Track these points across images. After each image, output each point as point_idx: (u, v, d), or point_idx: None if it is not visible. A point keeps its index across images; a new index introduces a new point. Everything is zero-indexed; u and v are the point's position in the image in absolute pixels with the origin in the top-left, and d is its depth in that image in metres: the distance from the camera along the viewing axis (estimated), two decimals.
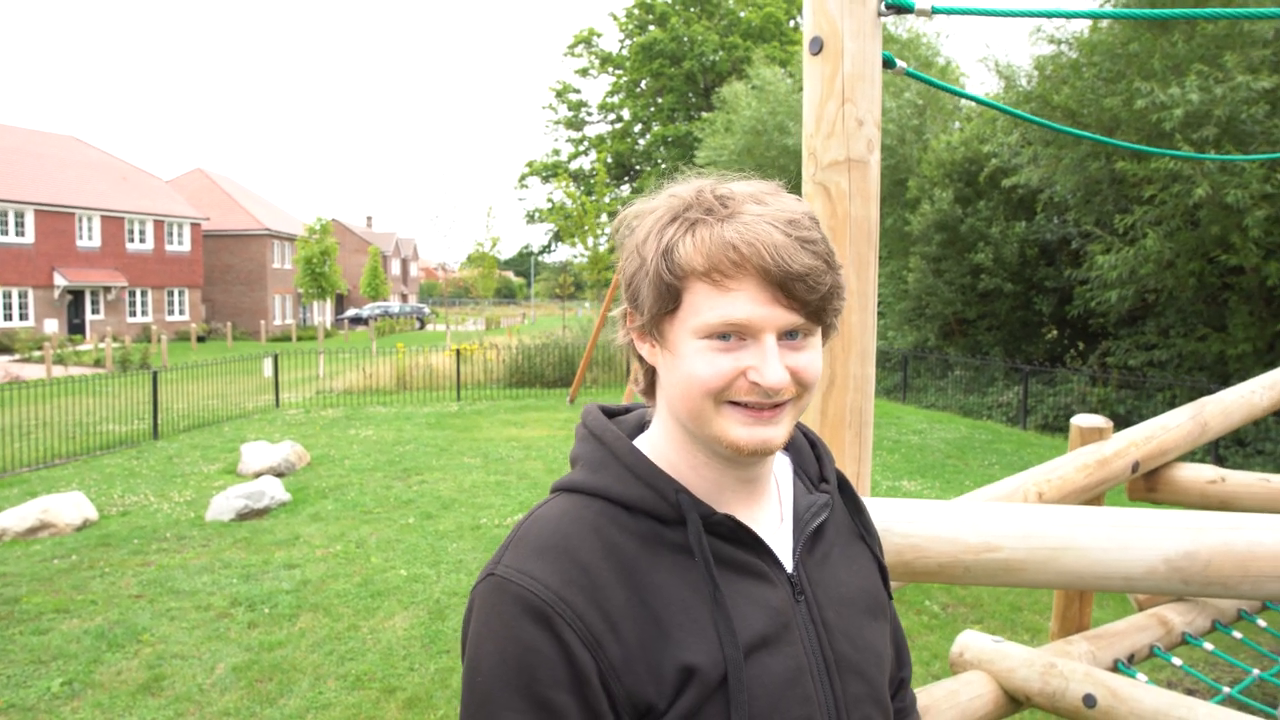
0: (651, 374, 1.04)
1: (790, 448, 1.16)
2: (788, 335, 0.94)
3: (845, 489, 1.18)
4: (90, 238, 37.65)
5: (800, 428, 1.19)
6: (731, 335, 0.93)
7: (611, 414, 1.13)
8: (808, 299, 0.92)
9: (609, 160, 46.78)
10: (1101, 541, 1.80)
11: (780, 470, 1.12)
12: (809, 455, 1.17)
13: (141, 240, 40.27)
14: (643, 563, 0.95)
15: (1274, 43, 10.44)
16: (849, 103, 1.88)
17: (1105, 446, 3.29)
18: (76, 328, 36.99)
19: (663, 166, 43.72)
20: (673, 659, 0.91)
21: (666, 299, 0.94)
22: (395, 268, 73.96)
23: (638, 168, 47.81)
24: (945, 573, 1.84)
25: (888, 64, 2.00)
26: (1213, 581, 1.78)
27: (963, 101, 18.52)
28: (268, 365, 17.94)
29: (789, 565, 1.04)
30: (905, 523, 1.84)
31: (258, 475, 9.90)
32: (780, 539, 1.06)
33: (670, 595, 0.94)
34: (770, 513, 1.07)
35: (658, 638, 0.91)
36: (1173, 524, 1.80)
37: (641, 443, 1.06)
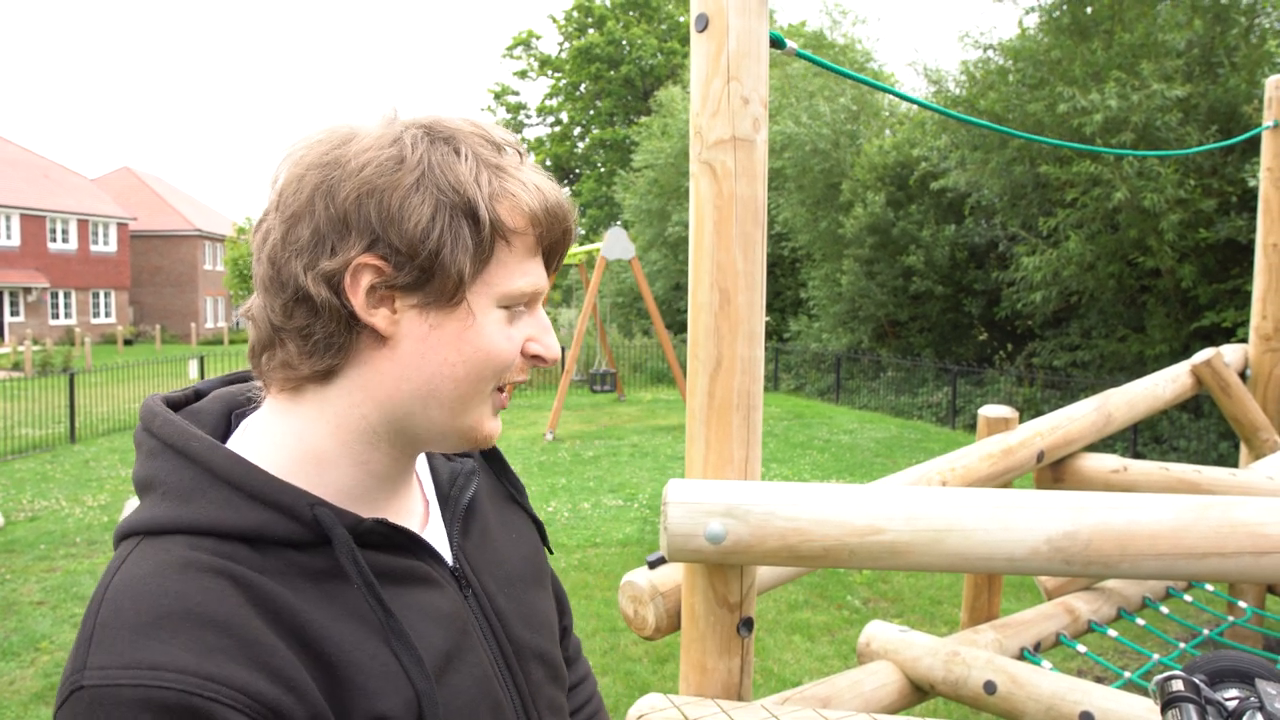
0: (337, 351, 0.77)
1: None
2: None
3: (487, 449, 1.00)
4: (8, 236, 36.36)
5: None
6: (520, 305, 0.82)
7: (177, 405, 0.84)
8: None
9: (548, 163, 46.65)
10: (985, 522, 1.80)
11: None
12: None
13: (64, 240, 39.02)
14: (291, 604, 0.72)
15: (1186, 54, 10.78)
16: (734, 80, 1.85)
17: (1010, 436, 3.32)
18: None
19: (601, 170, 43.67)
20: (363, 712, 0.73)
21: (480, 258, 0.77)
22: None
23: (576, 171, 47.71)
24: (830, 556, 1.82)
25: (777, 43, 1.98)
26: (1094, 561, 1.79)
27: (900, 106, 18.81)
28: (193, 367, 17.50)
29: (449, 557, 0.88)
30: (790, 506, 1.81)
31: None
32: (433, 528, 0.90)
33: (337, 636, 0.73)
34: (415, 500, 0.91)
35: (338, 692, 0.72)
36: (1055, 504, 1.80)
37: (249, 442, 0.81)
